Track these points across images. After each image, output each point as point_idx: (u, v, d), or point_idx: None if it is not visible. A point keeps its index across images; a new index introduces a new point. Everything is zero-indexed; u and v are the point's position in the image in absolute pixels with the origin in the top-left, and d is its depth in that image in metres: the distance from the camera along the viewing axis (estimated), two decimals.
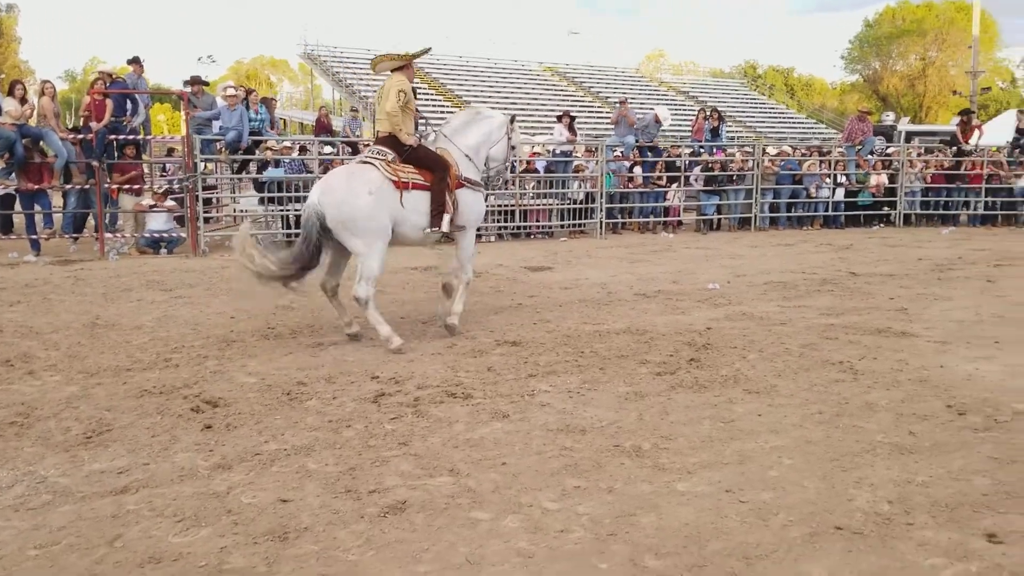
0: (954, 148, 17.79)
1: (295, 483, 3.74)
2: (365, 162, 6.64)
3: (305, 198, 13.32)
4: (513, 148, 7.51)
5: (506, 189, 13.88)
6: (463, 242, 7.05)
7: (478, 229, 7.89)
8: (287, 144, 14.04)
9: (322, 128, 18.81)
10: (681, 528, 3.29)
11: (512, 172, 8.05)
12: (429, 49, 8.34)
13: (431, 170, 6.65)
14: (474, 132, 7.13)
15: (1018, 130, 18.06)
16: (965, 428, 4.48)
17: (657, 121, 16.43)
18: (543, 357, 6.08)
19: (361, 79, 38.95)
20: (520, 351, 6.27)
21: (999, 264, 11.10)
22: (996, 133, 21.70)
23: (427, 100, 37.91)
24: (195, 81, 13.90)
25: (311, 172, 13.32)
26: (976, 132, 17.77)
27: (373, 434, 4.40)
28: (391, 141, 6.63)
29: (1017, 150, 17.68)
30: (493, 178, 7.52)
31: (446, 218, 6.63)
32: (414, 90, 7.05)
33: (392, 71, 6.83)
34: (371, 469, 3.92)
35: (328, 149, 15.10)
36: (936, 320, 7.34)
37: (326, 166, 13.57)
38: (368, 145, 8.52)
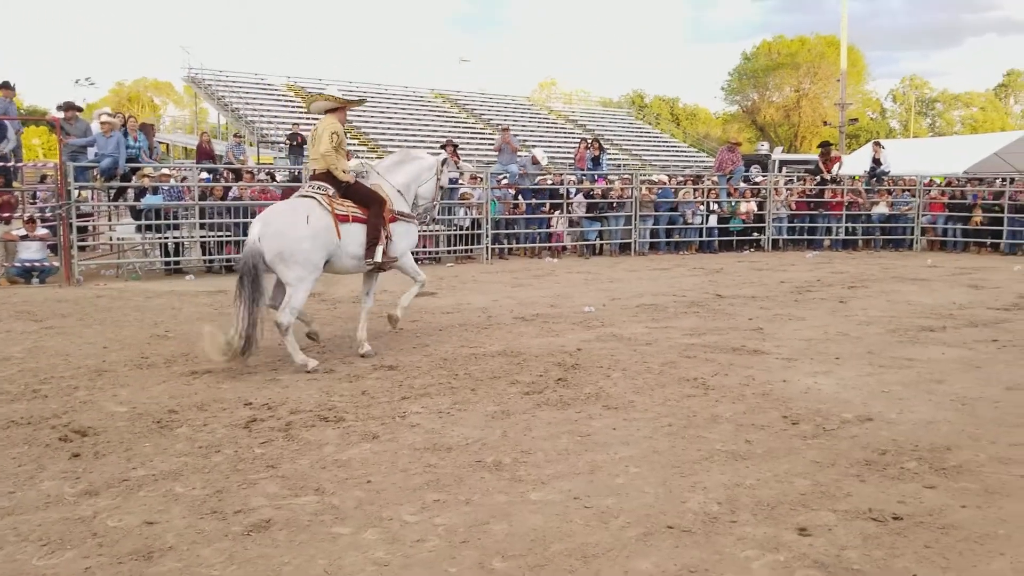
0: (816, 177, 19.01)
1: (161, 506, 3.83)
2: (305, 196, 6.98)
3: (181, 226, 13.29)
4: (442, 188, 8.13)
5: (430, 224, 14.17)
6: (406, 266, 7.59)
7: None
8: (165, 172, 13.83)
9: (204, 154, 18.57)
10: (529, 533, 3.56)
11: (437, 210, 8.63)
12: (364, 100, 9.07)
13: (367, 205, 7.09)
14: (404, 171, 7.65)
15: (874, 160, 19.41)
16: (796, 436, 4.93)
17: (535, 162, 16.99)
18: (418, 380, 6.29)
19: (248, 104, 38.45)
20: (396, 375, 6.47)
21: (853, 286, 11.94)
22: (857, 163, 23.22)
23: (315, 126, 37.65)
24: (68, 107, 13.58)
25: (191, 199, 13.19)
26: (836, 163, 19.08)
27: (242, 458, 4.52)
28: (328, 178, 7.03)
29: (874, 179, 18.99)
30: (420, 215, 8.05)
31: (379, 249, 7.07)
32: (345, 132, 7.45)
33: (325, 112, 7.26)
34: (238, 491, 4.05)
35: (205, 175, 14.95)
36: (787, 338, 7.91)
37: (204, 192, 13.49)
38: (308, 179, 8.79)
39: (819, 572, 3.23)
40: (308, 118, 37.97)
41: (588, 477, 4.23)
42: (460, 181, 16.29)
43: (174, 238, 13.27)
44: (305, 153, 21.05)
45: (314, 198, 6.87)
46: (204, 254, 13.66)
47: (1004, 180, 18.54)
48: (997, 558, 3.37)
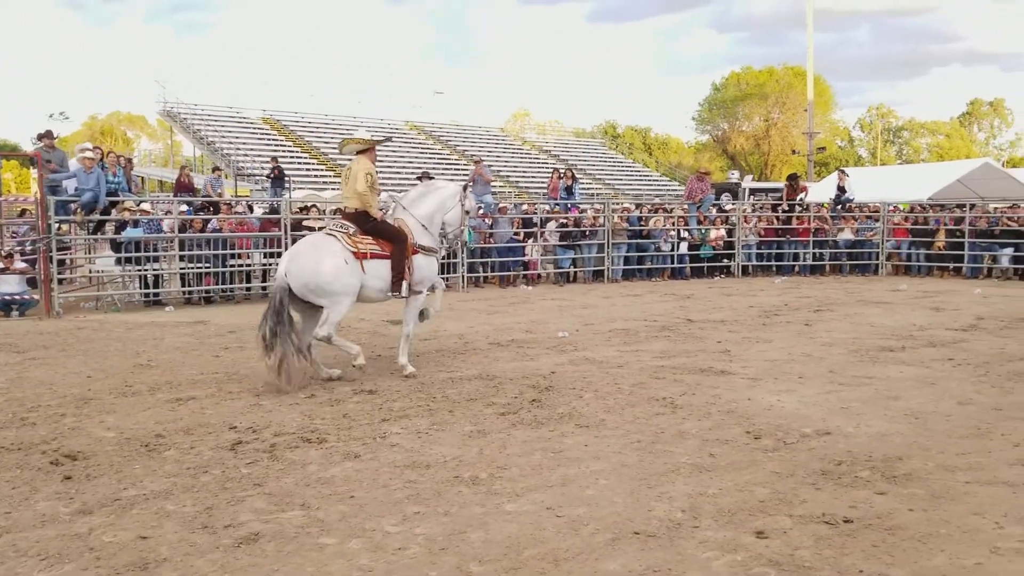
0: (781, 205, 19.58)
1: (154, 522, 4.02)
2: (329, 234, 7.50)
3: (162, 257, 13.46)
4: (468, 213, 8.53)
5: (463, 249, 14.98)
6: (411, 303, 7.80)
7: None
8: (146, 207, 14.01)
9: (183, 187, 18.72)
10: (504, 540, 3.79)
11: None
12: (390, 138, 9.81)
13: (391, 241, 7.54)
14: (428, 202, 8.03)
15: (839, 188, 19.95)
16: (757, 449, 5.20)
17: (486, 181, 17.62)
18: (397, 403, 6.51)
19: (223, 137, 38.67)
20: (375, 398, 6.68)
21: (819, 310, 12.30)
22: (824, 191, 23.79)
23: (291, 158, 37.96)
24: (47, 135, 13.66)
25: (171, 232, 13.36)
26: (803, 192, 19.69)
27: (229, 478, 4.72)
28: (354, 217, 7.50)
29: (839, 206, 19.50)
30: (451, 241, 8.55)
31: (405, 284, 7.54)
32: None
33: (357, 153, 7.70)
34: (227, 508, 4.24)
35: (184, 208, 15.14)
36: (753, 360, 8.21)
37: (184, 225, 13.68)
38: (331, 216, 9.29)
39: (774, 570, 3.48)
40: (284, 151, 38.30)
41: (560, 489, 4.47)
42: None
43: (154, 270, 13.42)
44: (286, 185, 21.30)
45: (335, 236, 7.39)
46: (183, 285, 13.81)
47: (965, 206, 19.11)
48: (938, 554, 3.64)
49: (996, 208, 19.49)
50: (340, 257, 7.25)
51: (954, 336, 9.67)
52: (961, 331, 10.04)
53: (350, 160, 7.86)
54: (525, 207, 17.64)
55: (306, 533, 3.90)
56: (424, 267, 7.84)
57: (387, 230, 7.60)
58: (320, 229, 7.86)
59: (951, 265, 18.34)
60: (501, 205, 17.73)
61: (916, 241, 18.96)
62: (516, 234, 17.01)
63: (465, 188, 8.51)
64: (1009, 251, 17.64)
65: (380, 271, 7.47)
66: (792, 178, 20.82)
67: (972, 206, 19.11)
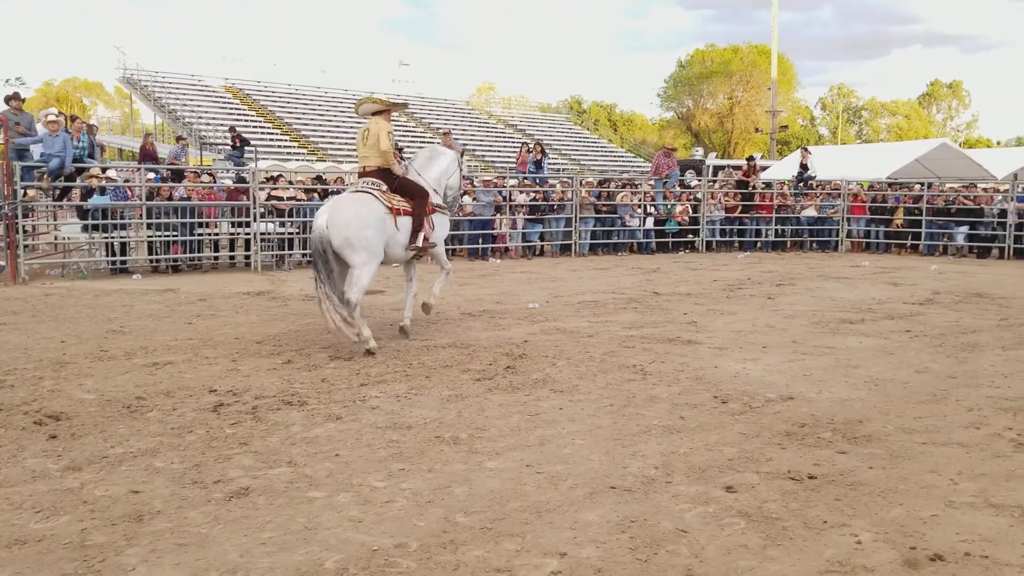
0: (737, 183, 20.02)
1: (144, 478, 4.12)
2: (363, 191, 7.61)
3: (129, 225, 13.37)
4: (465, 178, 8.90)
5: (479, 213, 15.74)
6: (440, 254, 8.48)
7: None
8: (112, 174, 13.87)
9: (147, 155, 18.54)
10: (487, 494, 3.95)
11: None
12: (407, 104, 10.11)
13: (413, 197, 7.82)
14: (436, 166, 8.41)
15: (802, 165, 20.31)
16: (725, 413, 5.41)
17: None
18: (374, 369, 6.63)
19: (185, 105, 38.08)
20: (352, 364, 6.80)
21: (781, 284, 12.60)
22: (787, 169, 24.18)
23: (255, 128, 37.55)
24: (15, 96, 13.41)
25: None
26: (758, 172, 20.19)
27: (215, 437, 4.82)
28: (380, 174, 7.72)
29: (801, 183, 19.86)
30: (450, 204, 8.82)
31: (421, 235, 7.81)
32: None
33: (373, 114, 7.87)
34: (215, 465, 4.35)
35: (151, 176, 15.02)
36: (718, 331, 8.45)
37: (151, 193, 13.59)
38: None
39: (743, 520, 3.69)
40: (247, 120, 37.85)
41: (539, 448, 4.64)
42: None
43: (121, 238, 13.32)
44: (248, 154, 21.12)
45: (371, 193, 7.54)
46: (151, 254, 13.73)
47: (923, 185, 19.57)
48: (896, 507, 3.87)
49: (952, 188, 19.98)
50: (379, 213, 7.44)
51: (911, 310, 9.99)
52: (918, 305, 10.38)
53: (364, 121, 8.01)
54: (496, 183, 17.67)
55: (295, 488, 4.03)
56: (442, 224, 8.34)
57: (412, 187, 7.88)
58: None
59: (909, 242, 18.80)
60: (484, 178, 17.75)
61: (875, 219, 19.39)
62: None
63: (461, 154, 8.89)
64: (964, 229, 18.14)
65: (407, 226, 7.74)
66: (750, 160, 21.29)
67: (929, 185, 19.59)
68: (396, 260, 8.07)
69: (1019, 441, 4.87)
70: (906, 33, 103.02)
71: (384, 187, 7.66)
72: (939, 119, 74.73)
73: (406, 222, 7.70)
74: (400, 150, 17.03)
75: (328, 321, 7.12)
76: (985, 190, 19.45)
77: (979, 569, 3.26)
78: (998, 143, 66.53)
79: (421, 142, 40.90)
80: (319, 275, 7.14)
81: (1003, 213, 17.65)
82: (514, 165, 21.94)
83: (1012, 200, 17.48)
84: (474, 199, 16.58)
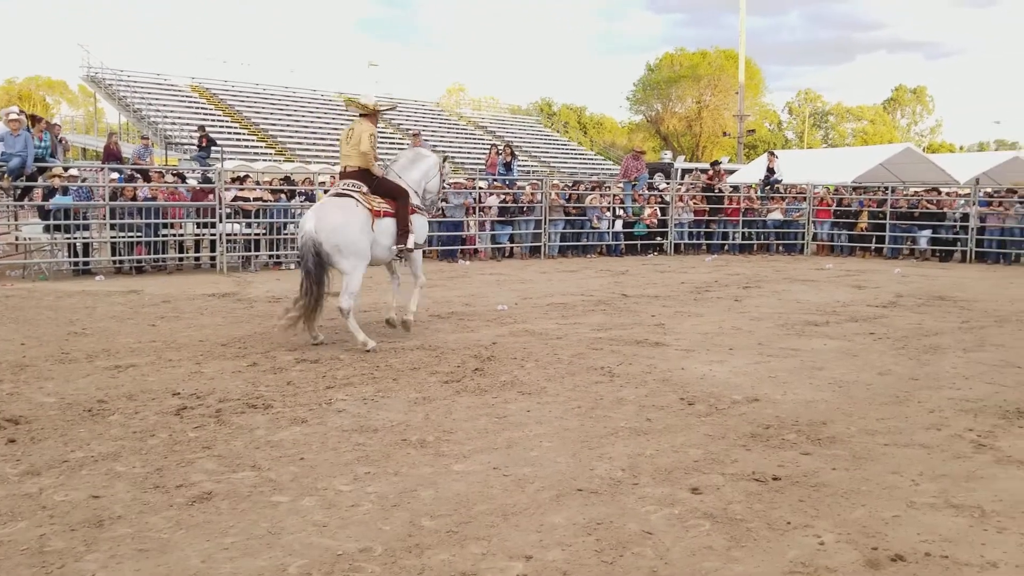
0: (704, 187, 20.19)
1: (105, 483, 4.06)
2: (343, 194, 7.64)
3: (92, 226, 13.16)
4: (444, 182, 8.96)
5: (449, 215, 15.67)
6: (416, 259, 8.45)
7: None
8: (74, 172, 13.65)
9: (111, 155, 18.27)
10: (454, 497, 3.93)
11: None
12: (395, 106, 10.23)
13: (395, 198, 7.86)
14: (417, 169, 8.41)
15: (768, 169, 20.50)
16: (691, 415, 5.44)
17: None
18: (340, 371, 6.58)
19: (150, 104, 37.61)
20: (319, 367, 6.74)
21: (747, 286, 12.71)
22: (754, 172, 24.38)
23: (222, 128, 37.18)
24: None
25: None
26: (723, 178, 20.37)
27: (177, 441, 4.75)
28: (360, 175, 7.76)
29: (768, 187, 20.05)
30: (429, 207, 8.79)
31: (410, 237, 7.90)
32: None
33: (361, 115, 7.94)
34: (177, 469, 4.29)
35: (115, 175, 14.80)
36: (686, 333, 8.49)
37: (115, 193, 13.41)
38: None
39: (708, 522, 3.70)
40: (214, 120, 37.47)
41: (506, 451, 4.64)
42: None
43: (83, 239, 13.12)
44: (214, 154, 20.92)
45: (353, 196, 7.57)
46: (114, 255, 13.53)
47: (887, 189, 19.84)
48: (859, 508, 3.91)
49: (916, 192, 20.27)
50: (362, 216, 7.48)
51: (875, 312, 10.12)
52: (881, 307, 10.51)
53: (350, 122, 8.12)
54: (466, 185, 17.65)
55: (259, 492, 3.98)
56: (421, 225, 8.35)
57: (392, 188, 7.93)
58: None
59: (873, 245, 19.03)
60: (455, 180, 17.73)
61: (839, 222, 19.61)
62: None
63: (444, 159, 8.92)
64: (927, 233, 18.40)
65: (391, 228, 7.78)
66: (714, 164, 21.49)
67: (893, 189, 19.86)
68: (378, 262, 8.07)
69: (979, 442, 4.95)
70: (871, 39, 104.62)
71: (364, 188, 7.68)
72: (903, 124, 75.90)
73: (387, 223, 7.72)
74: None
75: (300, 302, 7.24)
76: (948, 194, 19.74)
77: (939, 569, 3.30)
78: (960, 148, 67.81)
79: (390, 143, 40.78)
80: (309, 279, 7.22)
81: (965, 217, 17.93)
82: (483, 167, 21.92)
83: (974, 204, 17.78)
84: (444, 201, 16.54)
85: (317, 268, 7.27)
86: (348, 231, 7.37)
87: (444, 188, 9.29)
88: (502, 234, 17.48)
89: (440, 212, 11.04)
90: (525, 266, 15.86)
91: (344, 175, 7.91)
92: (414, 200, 8.18)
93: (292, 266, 14.55)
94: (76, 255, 13.10)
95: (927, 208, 18.50)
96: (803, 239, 19.52)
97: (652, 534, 3.56)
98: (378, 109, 8.22)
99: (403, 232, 7.83)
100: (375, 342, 7.43)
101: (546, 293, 11.60)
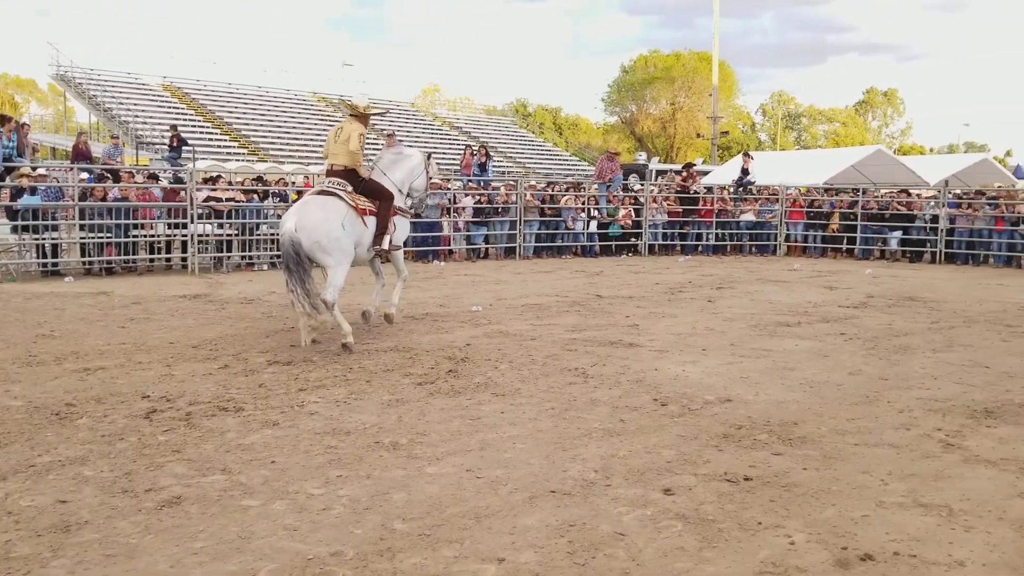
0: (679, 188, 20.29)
1: (72, 487, 4.00)
2: (327, 192, 7.61)
3: (61, 226, 13.00)
4: (431, 180, 9.01)
5: (425, 216, 15.45)
6: (398, 257, 8.58)
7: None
8: (43, 172, 13.47)
9: (80, 155, 18.04)
10: (426, 500, 3.92)
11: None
12: (386, 111, 10.29)
13: (379, 198, 7.90)
14: (402, 168, 8.47)
15: (743, 170, 20.64)
16: (664, 415, 5.46)
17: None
18: (313, 374, 6.54)
19: (121, 103, 37.21)
20: (291, 369, 6.69)
21: (720, 287, 12.78)
22: (728, 173, 24.53)
23: (194, 127, 36.85)
24: None
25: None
26: (695, 180, 20.52)
27: (147, 444, 4.70)
28: (346, 174, 7.76)
29: (741, 188, 20.19)
30: (415, 206, 8.95)
31: (387, 238, 7.94)
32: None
33: (351, 116, 8.03)
34: (146, 473, 4.24)
35: (84, 175, 14.63)
36: (659, 333, 8.53)
37: (84, 193, 13.25)
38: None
39: (680, 523, 3.72)
40: (186, 119, 37.13)
41: (479, 453, 4.63)
42: None
43: (52, 239, 12.94)
44: (186, 154, 20.74)
45: (337, 194, 7.56)
46: (84, 256, 13.36)
47: (858, 190, 20.04)
48: (829, 508, 3.94)
49: (887, 193, 20.50)
50: (346, 214, 7.48)
51: (846, 313, 10.21)
52: (852, 308, 10.61)
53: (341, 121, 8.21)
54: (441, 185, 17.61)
55: (229, 496, 3.94)
56: (403, 227, 8.42)
57: (378, 188, 7.96)
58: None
59: (844, 246, 19.22)
60: (434, 180, 17.72)
61: (812, 223, 19.79)
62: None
63: (429, 156, 8.98)
64: (898, 234, 18.62)
65: (372, 227, 7.81)
66: (687, 167, 21.64)
67: (864, 191, 20.06)
68: (361, 261, 8.09)
69: (948, 442, 5.01)
70: (843, 41, 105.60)
71: (349, 187, 7.69)
72: (875, 126, 76.72)
73: (371, 222, 7.77)
74: None
75: (300, 308, 7.24)
76: (918, 196, 19.99)
77: (907, 568, 3.33)
78: (931, 150, 68.68)
79: (366, 143, 40.60)
80: (292, 278, 7.16)
81: (935, 219, 18.17)
82: (458, 168, 21.87)
83: (943, 206, 18.01)
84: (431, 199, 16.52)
85: (298, 266, 7.20)
86: (329, 228, 7.34)
87: (431, 186, 9.39)
88: (477, 235, 17.46)
89: (416, 214, 11.09)
90: (500, 267, 15.85)
91: (330, 173, 7.90)
92: (398, 201, 8.23)
93: (265, 267, 14.50)
94: (45, 256, 12.93)
95: (897, 209, 18.72)
96: (775, 240, 19.68)
97: (624, 535, 3.57)
98: (369, 112, 8.23)
99: (381, 232, 7.86)
100: (352, 339, 7.38)
101: (521, 294, 11.60)
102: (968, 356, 7.61)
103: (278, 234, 7.70)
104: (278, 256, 14.81)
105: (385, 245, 7.93)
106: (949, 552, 3.48)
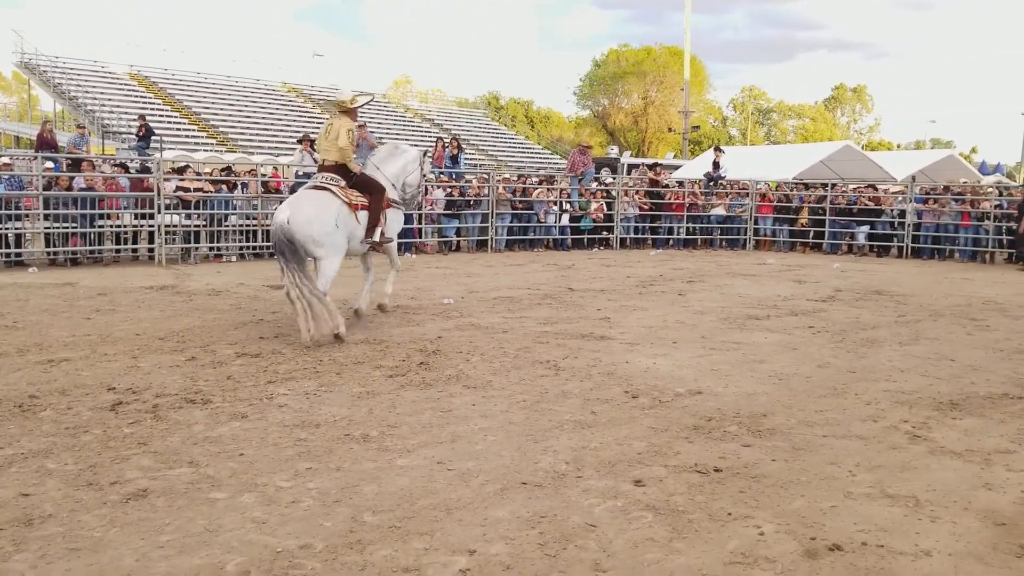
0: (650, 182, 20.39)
1: (35, 480, 3.93)
2: (320, 187, 7.67)
3: (25, 216, 12.77)
4: (424, 176, 9.17)
5: (419, 210, 15.47)
6: (391, 249, 8.63)
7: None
8: (6, 161, 13.22)
9: (45, 144, 17.74)
10: (397, 492, 3.89)
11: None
12: (373, 98, 10.91)
13: (371, 192, 7.93)
14: (395, 163, 8.58)
15: (714, 164, 20.75)
16: (635, 407, 5.47)
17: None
18: (282, 366, 6.48)
19: (87, 92, 36.61)
20: (260, 361, 6.63)
21: (691, 281, 12.85)
22: (699, 167, 24.66)
23: (162, 117, 36.37)
24: None
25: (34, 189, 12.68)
26: (665, 175, 20.71)
27: (112, 437, 4.62)
28: (338, 169, 7.81)
29: (712, 183, 20.30)
30: (408, 201, 8.96)
31: (378, 231, 7.96)
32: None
33: (340, 112, 8.04)
34: (111, 466, 4.18)
35: (50, 164, 14.38)
36: (631, 326, 8.55)
37: (49, 183, 13.02)
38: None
39: (651, 514, 3.73)
40: (154, 109, 36.62)
41: (450, 445, 4.61)
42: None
43: (16, 229, 12.71)
44: (154, 144, 20.46)
45: (329, 188, 7.62)
46: (48, 246, 13.14)
47: (827, 185, 20.23)
48: (798, 499, 3.97)
49: (855, 188, 20.71)
50: (338, 208, 7.52)
51: (814, 306, 10.31)
52: (821, 302, 10.72)
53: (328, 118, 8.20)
54: None
55: (196, 489, 3.89)
56: (396, 219, 8.55)
57: (369, 182, 7.99)
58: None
59: (812, 241, 19.40)
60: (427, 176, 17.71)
61: (780, 218, 19.95)
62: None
63: (424, 154, 9.05)
64: (865, 229, 18.82)
65: (365, 221, 7.86)
66: (653, 166, 21.93)
67: (833, 186, 20.26)
68: (353, 253, 8.15)
69: (914, 433, 5.07)
70: (812, 38, 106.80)
71: (342, 183, 7.73)
72: (843, 122, 77.45)
73: (363, 216, 7.82)
74: (312, 142, 16.76)
75: (301, 318, 7.20)
76: (885, 191, 20.22)
77: (875, 558, 3.37)
78: (898, 146, 69.47)
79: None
80: (287, 267, 7.20)
81: (902, 213, 18.40)
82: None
83: (910, 201, 18.24)
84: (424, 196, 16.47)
85: (294, 255, 7.22)
86: (321, 222, 7.38)
87: (424, 182, 9.44)
88: (449, 227, 17.41)
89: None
90: (472, 260, 15.82)
91: (322, 168, 7.95)
92: (390, 194, 8.29)
93: (234, 258, 14.36)
94: (8, 246, 12.71)
95: (865, 204, 18.92)
96: (745, 234, 19.82)
97: (595, 527, 3.57)
98: (356, 105, 8.20)
99: (373, 224, 7.91)
100: (345, 329, 7.42)
101: (492, 287, 11.58)
102: (934, 349, 7.71)
103: (271, 227, 7.67)
104: (246, 247, 14.77)
105: (376, 237, 7.97)
106: (916, 542, 3.52)
